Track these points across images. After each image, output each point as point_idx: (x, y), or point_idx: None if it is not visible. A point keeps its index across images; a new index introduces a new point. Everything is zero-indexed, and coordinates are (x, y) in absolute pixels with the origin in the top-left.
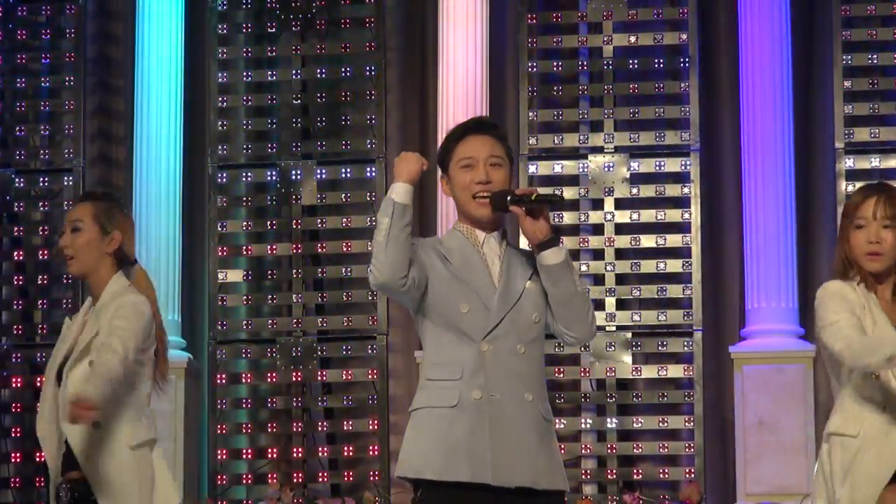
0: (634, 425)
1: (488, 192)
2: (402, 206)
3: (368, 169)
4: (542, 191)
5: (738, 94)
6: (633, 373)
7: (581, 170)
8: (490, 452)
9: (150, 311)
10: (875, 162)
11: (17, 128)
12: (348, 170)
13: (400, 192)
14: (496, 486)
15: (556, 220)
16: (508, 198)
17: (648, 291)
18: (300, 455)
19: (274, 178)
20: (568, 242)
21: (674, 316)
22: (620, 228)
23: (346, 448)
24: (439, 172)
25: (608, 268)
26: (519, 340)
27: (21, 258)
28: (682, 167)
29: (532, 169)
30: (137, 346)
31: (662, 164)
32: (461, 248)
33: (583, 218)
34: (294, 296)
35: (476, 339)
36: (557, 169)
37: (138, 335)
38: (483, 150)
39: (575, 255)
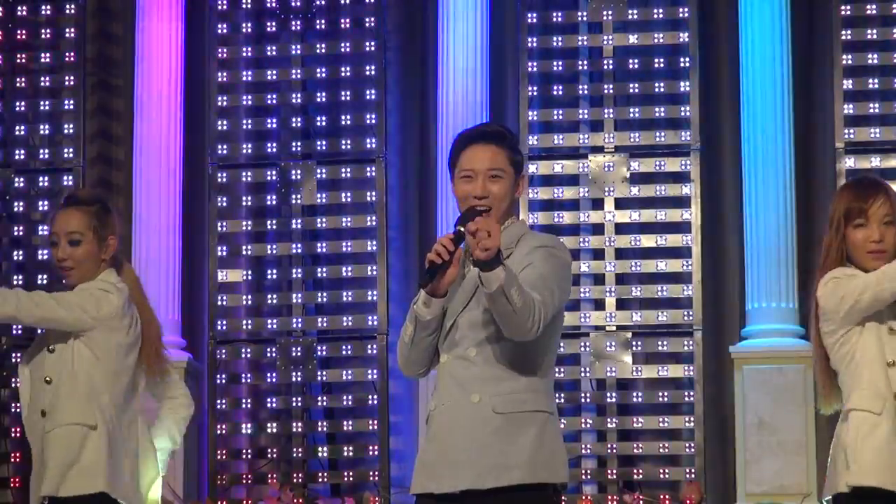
0: (634, 425)
1: (486, 207)
2: (424, 321)
3: (368, 169)
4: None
5: (738, 93)
6: (633, 373)
7: (581, 169)
8: (437, 461)
9: (118, 303)
10: (875, 161)
11: (17, 127)
12: (348, 170)
13: (425, 309)
14: (445, 494)
15: (556, 219)
16: (461, 228)
17: (648, 291)
18: (300, 455)
19: (274, 177)
20: (568, 242)
21: (674, 316)
22: (620, 228)
23: (345, 448)
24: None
25: (608, 267)
26: (470, 344)
27: (21, 258)
28: (683, 167)
29: (532, 169)
30: (73, 314)
31: (663, 163)
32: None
33: (583, 218)
34: (294, 295)
35: (442, 350)
36: (557, 169)
37: (80, 306)
38: (483, 162)
39: (575, 255)
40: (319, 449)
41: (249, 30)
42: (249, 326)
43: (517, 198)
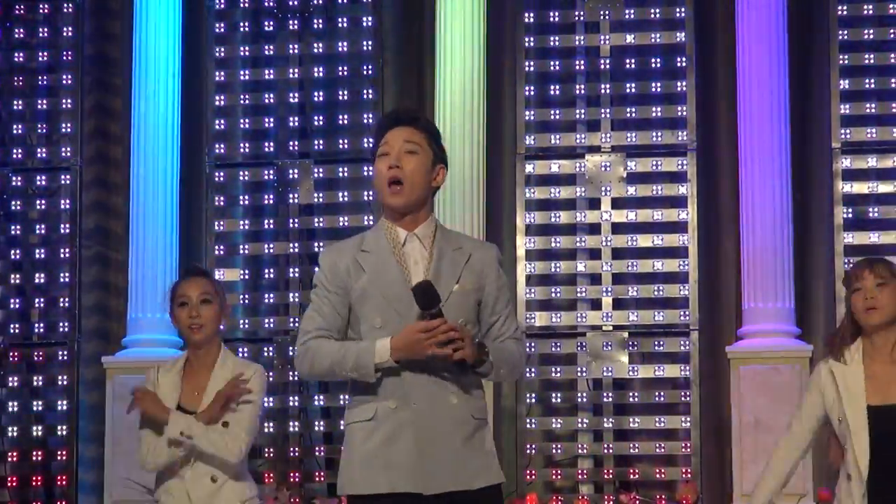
0: (631, 425)
1: (399, 177)
2: (370, 376)
3: (365, 168)
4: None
5: (735, 93)
6: (630, 373)
7: (578, 169)
8: (415, 461)
9: None
10: (872, 162)
11: (15, 126)
12: (345, 169)
13: (377, 367)
14: (425, 494)
15: (553, 218)
16: (431, 311)
17: (645, 291)
18: (297, 454)
19: (271, 177)
20: (564, 242)
21: (670, 316)
22: (617, 228)
23: (342, 447)
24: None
25: (605, 267)
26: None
27: (18, 257)
28: (679, 167)
29: (529, 168)
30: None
31: (659, 163)
32: (378, 252)
33: (580, 217)
34: (291, 295)
35: None
36: (554, 168)
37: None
38: (399, 136)
39: (571, 254)
40: (316, 448)
41: (247, 29)
42: (246, 326)
43: (435, 188)
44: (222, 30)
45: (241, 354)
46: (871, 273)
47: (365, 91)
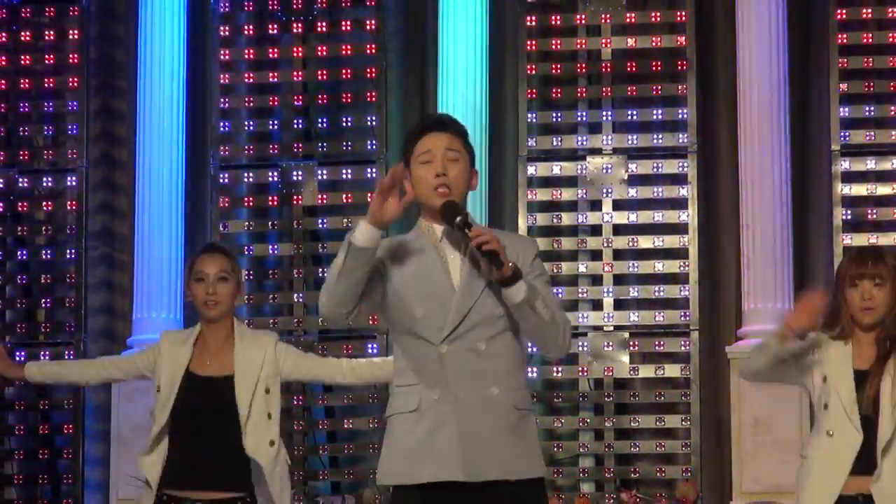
0: (632, 424)
1: (447, 184)
2: (357, 248)
3: (369, 170)
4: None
5: (735, 96)
6: (631, 372)
7: (579, 171)
8: (458, 450)
9: None
10: (871, 164)
11: (21, 128)
12: (349, 171)
13: (360, 235)
14: (468, 483)
15: (555, 220)
16: (458, 219)
17: (646, 292)
18: (301, 453)
19: (275, 178)
20: (566, 243)
21: (671, 316)
22: (618, 229)
23: (346, 446)
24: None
25: (606, 268)
26: (480, 338)
27: (24, 257)
28: (680, 169)
29: (531, 170)
30: None
31: (660, 165)
32: (419, 249)
33: (581, 219)
34: (295, 295)
35: (434, 341)
36: (556, 170)
37: None
38: (440, 144)
39: (573, 255)
40: (320, 448)
41: (251, 32)
42: (251, 326)
43: (470, 190)
44: (227, 33)
45: None
46: (870, 273)
47: (368, 94)
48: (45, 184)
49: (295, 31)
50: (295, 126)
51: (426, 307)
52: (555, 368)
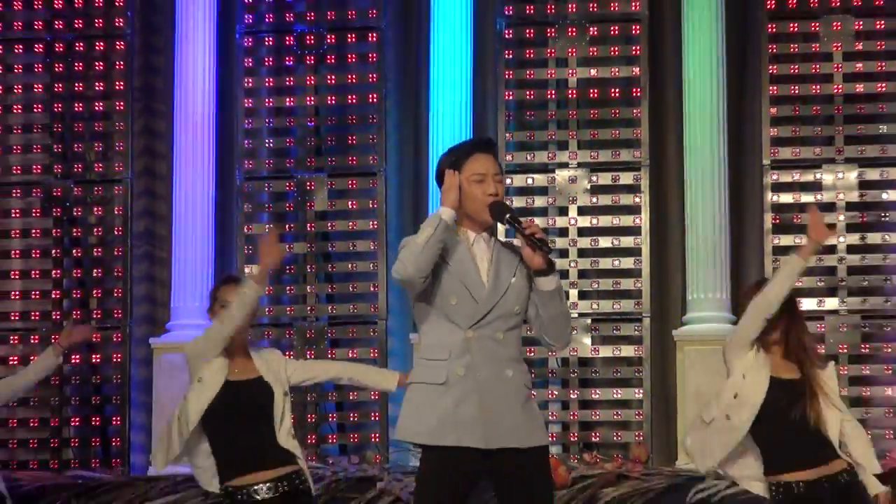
0: (593, 396)
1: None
2: (446, 224)
3: (371, 181)
4: (538, 234)
5: (681, 118)
6: (592, 352)
7: (549, 182)
8: (479, 421)
9: None
10: (796, 176)
11: (76, 145)
12: (354, 182)
13: (449, 215)
14: (486, 448)
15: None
16: (508, 215)
17: (605, 284)
18: (313, 420)
19: (292, 188)
20: None
21: (626, 305)
22: (582, 231)
23: (351, 414)
24: (448, 169)
25: (571, 264)
26: (499, 329)
27: (79, 254)
28: (634, 180)
29: (508, 182)
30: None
31: (618, 177)
32: (456, 248)
33: (550, 223)
34: (308, 287)
35: (463, 326)
36: (530, 181)
37: None
38: (490, 167)
39: None
40: (329, 415)
41: (271, 63)
42: (271, 313)
43: None
44: (250, 64)
45: (266, 337)
46: None
47: (370, 116)
48: (95, 192)
49: (308, 62)
50: (308, 143)
51: (460, 297)
52: (528, 348)
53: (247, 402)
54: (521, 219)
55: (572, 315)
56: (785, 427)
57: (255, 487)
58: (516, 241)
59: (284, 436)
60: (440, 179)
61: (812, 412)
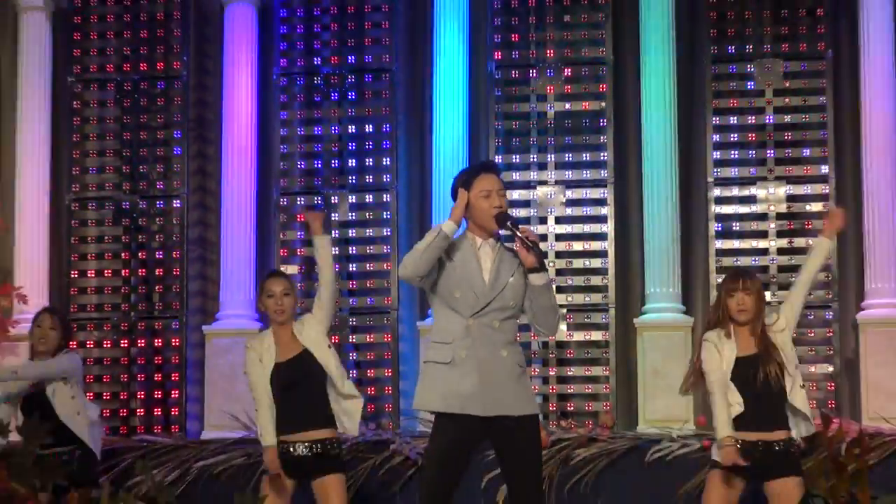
0: (568, 373)
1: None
2: (445, 235)
3: (385, 196)
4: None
5: (640, 144)
6: (567, 336)
7: (532, 196)
8: (479, 393)
9: None
10: (735, 191)
11: (141, 166)
12: (370, 196)
13: (449, 228)
14: (484, 416)
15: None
16: (509, 222)
17: (577, 281)
18: None
19: (319, 202)
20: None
21: (595, 298)
22: (559, 237)
23: (368, 389)
24: (461, 189)
25: (550, 265)
26: (496, 318)
27: (144, 257)
28: (602, 195)
29: None
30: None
31: (587, 192)
32: (463, 250)
33: (533, 230)
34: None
35: (464, 315)
36: (515, 196)
37: None
38: (496, 184)
39: None
40: None
41: (302, 98)
42: (302, 304)
43: None
44: (285, 99)
45: None
46: (742, 286)
47: (384, 142)
48: (157, 205)
49: (332, 98)
50: (332, 165)
51: (462, 291)
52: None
53: (296, 378)
54: (521, 225)
55: None
56: (749, 393)
57: (295, 444)
58: (516, 247)
59: (345, 386)
60: (455, 195)
61: (771, 378)
